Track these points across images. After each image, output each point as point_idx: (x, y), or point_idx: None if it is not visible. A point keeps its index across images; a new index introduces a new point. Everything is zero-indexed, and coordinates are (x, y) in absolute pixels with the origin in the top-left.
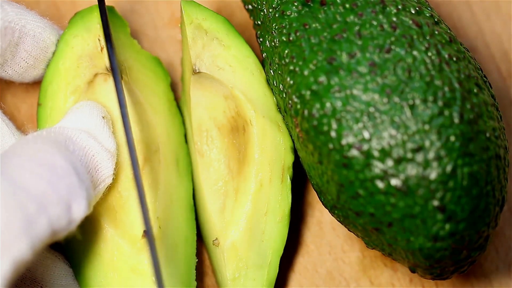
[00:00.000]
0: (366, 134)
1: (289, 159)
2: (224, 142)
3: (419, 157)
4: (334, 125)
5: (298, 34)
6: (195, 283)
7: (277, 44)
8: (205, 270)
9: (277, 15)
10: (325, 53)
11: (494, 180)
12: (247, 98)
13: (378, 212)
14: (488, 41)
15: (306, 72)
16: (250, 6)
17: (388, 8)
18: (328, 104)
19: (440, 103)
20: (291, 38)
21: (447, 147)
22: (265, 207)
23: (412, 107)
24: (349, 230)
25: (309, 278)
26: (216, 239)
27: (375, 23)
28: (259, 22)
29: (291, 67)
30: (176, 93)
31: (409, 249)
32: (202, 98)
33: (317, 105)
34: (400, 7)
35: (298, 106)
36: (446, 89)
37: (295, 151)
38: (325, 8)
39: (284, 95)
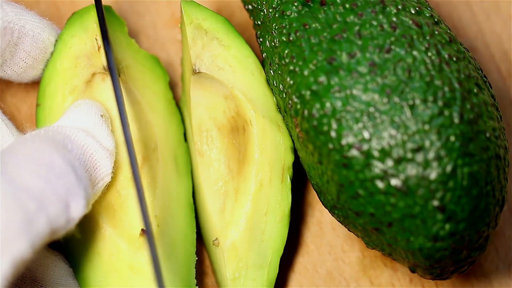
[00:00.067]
0: (366, 134)
1: (289, 159)
2: (224, 142)
3: (419, 157)
4: (334, 125)
5: (298, 34)
6: (195, 281)
7: (277, 44)
8: (205, 270)
9: (277, 15)
10: (325, 53)
11: (494, 180)
12: (247, 98)
13: (378, 212)
14: (488, 41)
15: (306, 72)
16: (250, 6)
17: (388, 8)
18: (328, 104)
19: (440, 103)
20: (291, 38)
21: (447, 147)
22: (265, 207)
23: (412, 107)
24: (349, 230)
25: (309, 278)
26: (216, 239)
27: (375, 23)
28: (259, 22)
29: (291, 67)
30: (175, 93)
31: (409, 249)
32: (202, 98)
33: (317, 105)
34: (400, 7)
35: (298, 106)
36: (446, 89)
37: (295, 151)
38: (325, 8)
39: (284, 95)
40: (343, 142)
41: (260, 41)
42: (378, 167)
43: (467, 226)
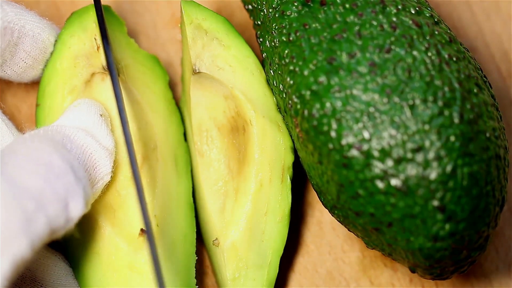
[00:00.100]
0: (366, 134)
1: (289, 159)
2: (224, 142)
3: (419, 157)
4: (334, 125)
5: (298, 34)
6: (195, 280)
7: (277, 44)
8: (205, 270)
9: (277, 15)
10: (325, 53)
11: (494, 180)
12: (247, 98)
13: (378, 212)
14: (488, 41)
15: (306, 72)
16: (250, 6)
17: (388, 8)
18: (328, 104)
19: (440, 103)
20: (291, 38)
21: (447, 147)
22: (265, 207)
23: (412, 107)
24: (349, 230)
25: (309, 278)
26: (216, 239)
27: (375, 23)
28: (259, 22)
29: (291, 67)
30: (175, 93)
31: (409, 249)
32: (202, 98)
33: (317, 105)
34: (400, 7)
35: (298, 106)
36: (446, 89)
37: (295, 151)
38: (325, 8)
39: (284, 95)
40: (343, 142)
41: (260, 41)
42: (378, 167)
43: (467, 226)
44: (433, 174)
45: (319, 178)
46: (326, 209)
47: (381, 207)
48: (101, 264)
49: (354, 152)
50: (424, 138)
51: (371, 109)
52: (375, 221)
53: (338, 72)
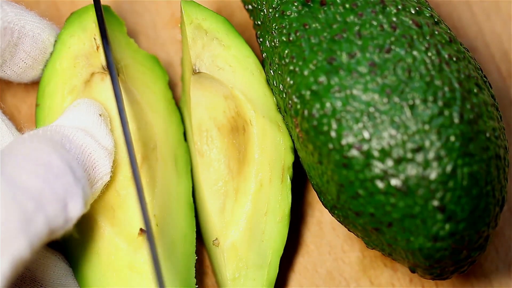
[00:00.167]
0: (366, 134)
1: (289, 159)
2: (224, 142)
3: (419, 157)
4: (334, 125)
5: (298, 34)
6: (195, 280)
7: (277, 44)
8: (205, 270)
9: (277, 15)
10: (325, 53)
11: (494, 180)
12: (247, 98)
13: (378, 212)
14: (488, 41)
15: (306, 72)
16: (250, 6)
17: (388, 8)
18: (328, 104)
19: (440, 103)
20: (291, 38)
21: (447, 147)
22: (265, 207)
23: (412, 107)
24: (349, 230)
25: (309, 278)
26: (216, 239)
27: (375, 23)
28: (259, 22)
29: (291, 67)
30: (175, 93)
31: (409, 249)
32: (202, 98)
33: (317, 105)
34: (400, 7)
35: (298, 106)
36: (446, 89)
37: (295, 151)
38: (325, 8)
39: (284, 95)
40: (343, 142)
41: (260, 41)
42: (378, 167)
43: (467, 226)
44: (433, 174)
45: (319, 178)
46: (326, 209)
47: (381, 207)
48: (100, 264)
49: (354, 152)
50: (424, 138)
51: (371, 109)
52: (375, 221)
53: (338, 72)
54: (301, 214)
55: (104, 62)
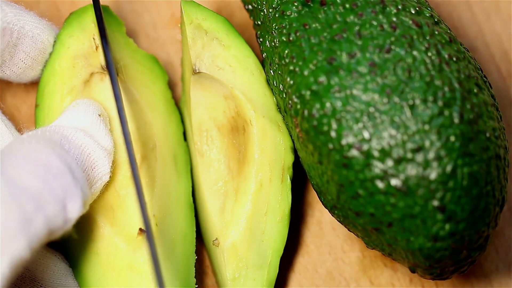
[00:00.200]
0: (366, 134)
1: (289, 159)
2: (224, 142)
3: (419, 157)
4: (334, 125)
5: (298, 34)
6: (194, 280)
7: (277, 44)
8: (205, 270)
9: (277, 15)
10: (325, 53)
11: (494, 180)
12: (247, 98)
13: (378, 212)
14: (488, 41)
15: (306, 72)
16: (250, 6)
17: (388, 8)
18: (328, 104)
19: (440, 103)
20: (291, 38)
21: (447, 147)
22: (265, 207)
23: (412, 107)
24: (349, 230)
25: (309, 278)
26: (216, 239)
27: (375, 23)
28: (259, 22)
29: (291, 67)
30: (175, 93)
31: (409, 249)
32: (202, 98)
33: (317, 105)
34: (400, 7)
35: (298, 106)
36: (446, 89)
37: (295, 151)
38: (325, 8)
39: (284, 95)
40: (343, 142)
41: (260, 41)
42: (378, 167)
43: (467, 226)
44: (433, 174)
45: (319, 178)
46: (326, 209)
47: (381, 207)
48: (100, 264)
49: (354, 152)
50: (424, 138)
51: (371, 109)
52: (375, 221)
53: (338, 72)
54: (301, 214)
55: (103, 62)
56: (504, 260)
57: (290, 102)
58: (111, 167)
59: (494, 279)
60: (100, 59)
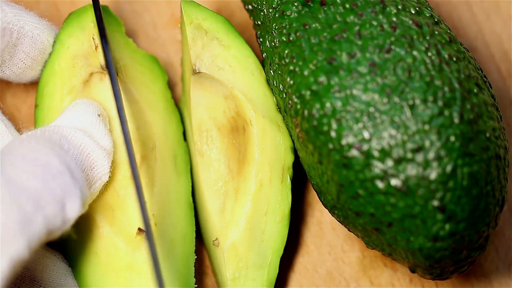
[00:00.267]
0: (366, 134)
1: (289, 159)
2: (224, 142)
3: (419, 157)
4: (334, 125)
5: (298, 34)
6: (194, 279)
7: (277, 44)
8: (205, 270)
9: (277, 15)
10: (325, 53)
11: (494, 180)
12: (247, 98)
13: (378, 212)
14: (488, 41)
15: (306, 72)
16: (250, 6)
17: (388, 8)
18: (328, 104)
19: (440, 103)
20: (291, 38)
21: (447, 147)
22: (265, 207)
23: (412, 107)
24: (349, 230)
25: (309, 278)
26: (216, 239)
27: (375, 23)
28: (259, 22)
29: (291, 67)
30: (175, 93)
31: (409, 249)
32: (202, 98)
33: (317, 105)
34: (400, 7)
35: (298, 106)
36: (446, 89)
37: (295, 151)
38: (325, 8)
39: (284, 95)
40: (343, 142)
41: (260, 41)
42: (378, 167)
43: (467, 226)
44: (433, 174)
45: (319, 178)
46: (326, 209)
47: (381, 207)
48: (99, 263)
49: (354, 152)
50: (424, 138)
51: (371, 109)
52: (375, 221)
53: (338, 72)
54: (301, 214)
55: (103, 62)
56: (504, 260)
57: (290, 102)
58: (111, 167)
59: (494, 279)
60: (100, 59)
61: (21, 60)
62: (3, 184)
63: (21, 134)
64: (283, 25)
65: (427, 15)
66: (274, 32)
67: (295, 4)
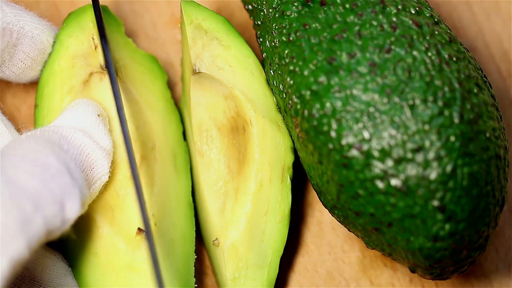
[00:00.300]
0: (366, 134)
1: (289, 159)
2: (224, 142)
3: (419, 157)
4: (334, 125)
5: (298, 34)
6: (194, 279)
7: (277, 44)
8: (205, 270)
9: (277, 15)
10: (325, 53)
11: (494, 180)
12: (247, 98)
13: (378, 212)
14: (488, 41)
15: (306, 72)
16: (250, 6)
17: (388, 8)
18: (328, 104)
19: (440, 103)
20: (291, 38)
21: (447, 147)
22: (265, 207)
23: (412, 107)
24: (349, 230)
25: (309, 278)
26: (216, 239)
27: (375, 23)
28: (259, 22)
29: (291, 67)
30: (175, 93)
31: (409, 249)
32: (202, 98)
33: (317, 105)
34: (400, 7)
35: (298, 106)
36: (446, 89)
37: (295, 151)
38: (325, 8)
39: (284, 95)
40: (343, 142)
41: (260, 41)
42: (378, 167)
43: (467, 226)
44: (433, 174)
45: (319, 178)
46: (326, 209)
47: (381, 207)
48: (99, 263)
49: (354, 152)
50: (424, 138)
51: (371, 109)
52: (375, 221)
53: (338, 72)
54: (301, 214)
55: (102, 62)
56: (504, 260)
57: (290, 102)
58: (110, 167)
59: (494, 279)
60: (99, 58)
61: (21, 60)
62: (3, 184)
63: (21, 134)
64: (283, 25)
65: (427, 15)
66: (274, 32)
67: (295, 4)
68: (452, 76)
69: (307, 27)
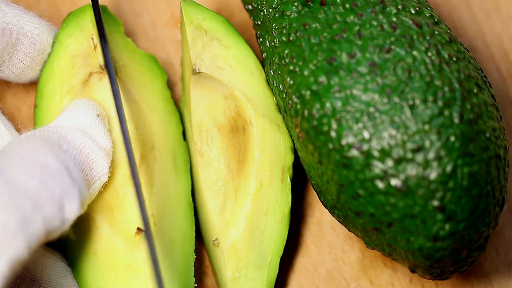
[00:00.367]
0: (366, 134)
1: (289, 159)
2: (224, 142)
3: (419, 157)
4: (334, 125)
5: (298, 34)
6: (194, 279)
7: (277, 44)
8: (205, 270)
9: (277, 15)
10: (325, 53)
11: (494, 180)
12: (247, 98)
13: (378, 212)
14: (488, 41)
15: (306, 72)
16: (250, 6)
17: (388, 8)
18: (328, 104)
19: (440, 103)
20: (291, 38)
21: (447, 147)
22: (265, 207)
23: (412, 107)
24: (349, 230)
25: (309, 278)
26: (216, 239)
27: (375, 23)
28: (259, 22)
29: (291, 67)
30: (175, 93)
31: (409, 249)
32: (202, 98)
33: (317, 105)
34: (400, 7)
35: (298, 106)
36: (446, 89)
37: (295, 151)
38: (325, 8)
39: (284, 95)
40: (343, 142)
41: (260, 41)
42: (378, 167)
43: (467, 226)
44: (433, 174)
45: (319, 178)
46: (326, 209)
47: (381, 207)
48: (99, 263)
49: (354, 152)
50: (424, 138)
51: (371, 109)
52: (375, 221)
53: (338, 72)
54: (301, 214)
55: (102, 62)
56: (504, 260)
57: (290, 102)
58: (110, 167)
59: (494, 279)
60: (99, 58)
61: (21, 60)
62: (3, 184)
63: (20, 134)
64: (283, 25)
65: (427, 15)
66: (274, 32)
67: (295, 4)
68: (452, 76)
69: (307, 27)
